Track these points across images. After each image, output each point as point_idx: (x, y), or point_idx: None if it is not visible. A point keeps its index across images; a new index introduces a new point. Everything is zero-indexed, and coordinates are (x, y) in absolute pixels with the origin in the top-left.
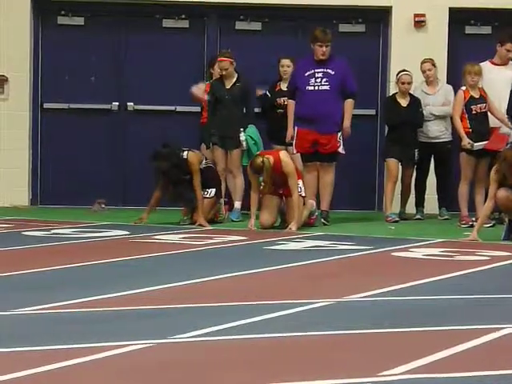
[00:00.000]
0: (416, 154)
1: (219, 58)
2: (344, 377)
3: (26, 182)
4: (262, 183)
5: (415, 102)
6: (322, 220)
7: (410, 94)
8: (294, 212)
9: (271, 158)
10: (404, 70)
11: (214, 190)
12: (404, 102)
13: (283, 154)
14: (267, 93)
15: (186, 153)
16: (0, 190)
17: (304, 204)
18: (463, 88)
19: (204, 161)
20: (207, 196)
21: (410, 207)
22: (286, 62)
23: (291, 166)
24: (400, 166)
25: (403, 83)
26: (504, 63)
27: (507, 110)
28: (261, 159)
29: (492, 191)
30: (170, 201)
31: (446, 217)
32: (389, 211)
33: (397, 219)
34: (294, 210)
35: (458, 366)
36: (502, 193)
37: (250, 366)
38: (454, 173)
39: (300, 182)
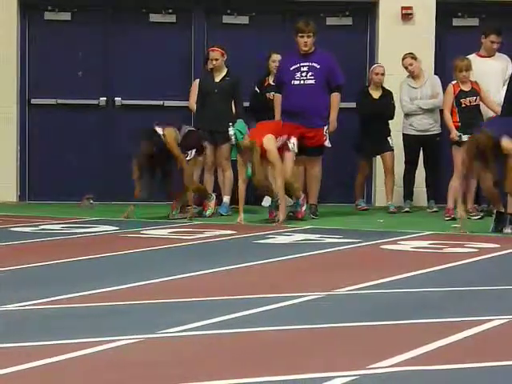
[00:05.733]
0: (390, 141)
1: (210, 48)
2: (332, 370)
3: (14, 178)
4: (251, 167)
5: (387, 94)
6: (311, 214)
7: (383, 87)
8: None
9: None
10: (377, 63)
11: (193, 151)
12: (376, 94)
13: (267, 142)
14: (256, 88)
15: (160, 130)
16: None
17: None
18: (453, 82)
19: (187, 128)
20: (188, 158)
21: (399, 200)
22: (277, 57)
23: (274, 154)
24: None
25: (377, 74)
26: (490, 55)
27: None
28: (248, 140)
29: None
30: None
31: (435, 209)
32: (359, 199)
33: (366, 207)
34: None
35: (447, 359)
36: (488, 182)
37: (238, 360)
38: (443, 165)
39: (292, 139)
